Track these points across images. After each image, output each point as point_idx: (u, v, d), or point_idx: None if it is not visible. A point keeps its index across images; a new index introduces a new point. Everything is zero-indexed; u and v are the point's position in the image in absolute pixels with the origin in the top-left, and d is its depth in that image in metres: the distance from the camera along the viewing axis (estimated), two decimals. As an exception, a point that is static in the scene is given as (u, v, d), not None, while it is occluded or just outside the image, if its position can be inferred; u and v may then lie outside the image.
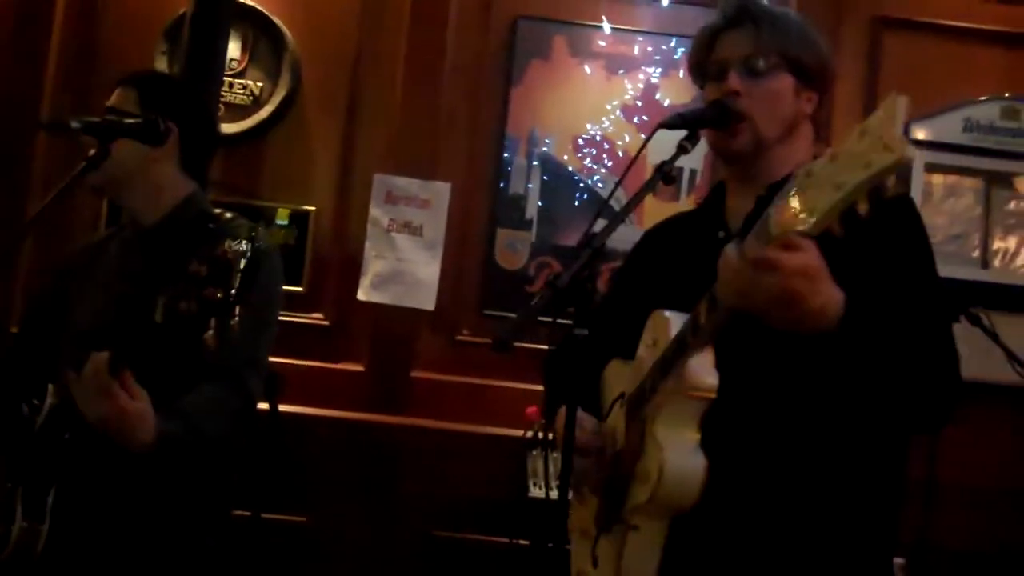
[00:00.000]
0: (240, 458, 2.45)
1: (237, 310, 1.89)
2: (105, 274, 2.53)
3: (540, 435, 3.96)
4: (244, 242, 1.89)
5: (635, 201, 1.88)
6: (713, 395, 1.77)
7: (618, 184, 2.31)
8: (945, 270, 1.91)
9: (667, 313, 1.87)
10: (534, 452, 3.97)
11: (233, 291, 1.87)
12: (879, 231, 1.56)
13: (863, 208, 1.41)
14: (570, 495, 2.09)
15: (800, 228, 1.46)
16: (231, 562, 2.50)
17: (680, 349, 1.76)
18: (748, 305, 1.61)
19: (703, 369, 1.76)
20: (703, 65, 2.04)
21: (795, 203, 1.47)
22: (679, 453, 1.79)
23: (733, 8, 2.01)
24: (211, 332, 1.91)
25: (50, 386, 2.33)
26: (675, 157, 1.91)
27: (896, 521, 1.95)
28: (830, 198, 1.42)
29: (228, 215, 2.52)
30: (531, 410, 4.05)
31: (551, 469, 3.68)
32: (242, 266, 1.85)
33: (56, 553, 2.25)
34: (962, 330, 3.28)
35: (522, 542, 3.91)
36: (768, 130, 1.96)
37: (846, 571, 1.88)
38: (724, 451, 1.79)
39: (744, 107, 1.95)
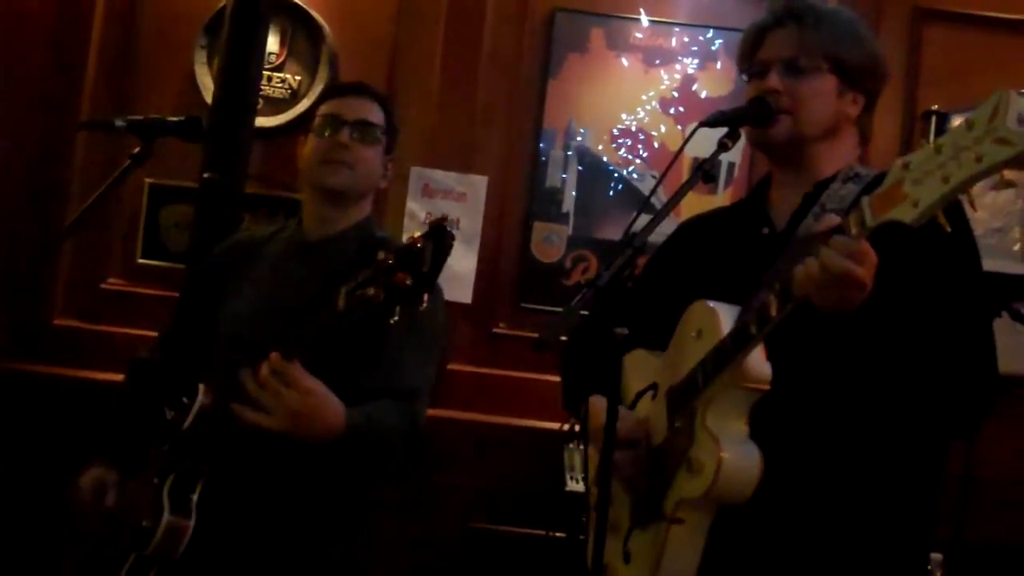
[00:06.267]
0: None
1: (424, 296, 1.88)
2: (261, 276, 2.49)
3: (577, 428, 3.96)
4: (430, 232, 1.88)
5: (676, 199, 1.88)
6: (768, 387, 1.77)
7: (659, 182, 2.30)
8: (985, 264, 1.91)
9: (713, 304, 1.85)
10: (571, 445, 3.97)
11: (421, 277, 1.85)
12: (929, 232, 1.55)
13: (969, 201, 1.42)
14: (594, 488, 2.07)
15: (905, 219, 1.47)
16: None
17: (743, 341, 1.74)
18: (826, 296, 1.62)
19: (759, 361, 1.76)
20: (749, 63, 2.04)
21: (895, 194, 1.48)
22: (735, 445, 1.78)
23: (779, 6, 2.01)
24: (396, 318, 1.89)
25: (201, 385, 2.29)
26: (716, 154, 1.91)
27: (932, 516, 1.94)
28: (938, 190, 1.42)
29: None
30: (568, 404, 4.05)
31: (578, 462, 3.68)
32: (430, 254, 1.84)
33: (196, 550, 2.23)
34: (1002, 324, 3.25)
35: (558, 535, 3.92)
36: (807, 127, 1.97)
37: (883, 565, 1.88)
38: (765, 444, 1.79)
39: (784, 104, 1.96)
